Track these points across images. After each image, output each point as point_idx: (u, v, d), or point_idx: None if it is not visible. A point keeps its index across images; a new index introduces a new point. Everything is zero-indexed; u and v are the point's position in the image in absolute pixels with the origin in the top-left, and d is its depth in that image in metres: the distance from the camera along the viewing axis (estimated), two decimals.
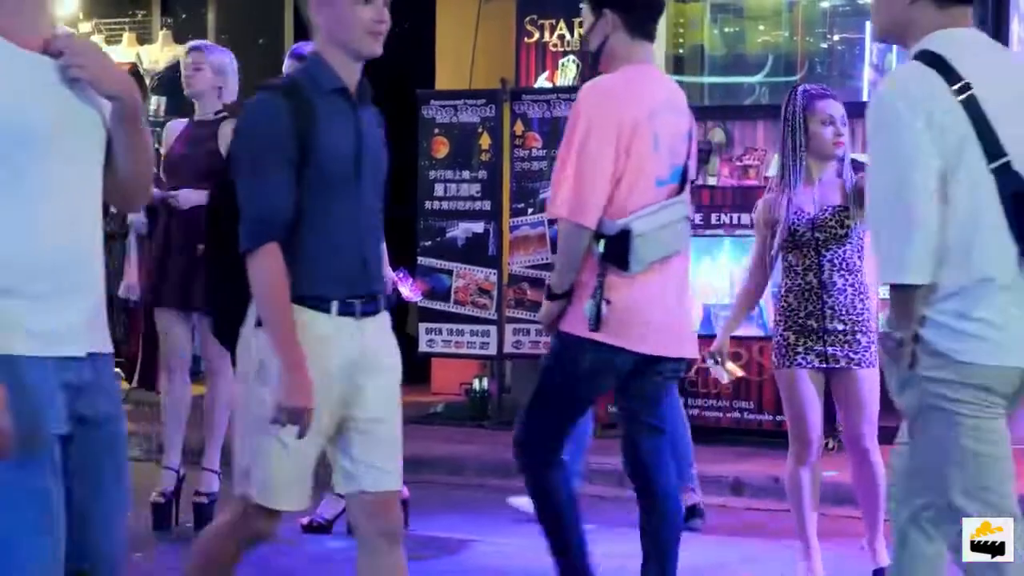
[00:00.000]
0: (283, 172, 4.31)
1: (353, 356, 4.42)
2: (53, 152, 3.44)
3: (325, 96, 4.38)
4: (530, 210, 10.66)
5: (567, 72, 11.38)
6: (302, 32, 13.19)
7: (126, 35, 13.23)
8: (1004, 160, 3.90)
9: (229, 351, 4.62)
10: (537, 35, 11.51)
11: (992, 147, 3.90)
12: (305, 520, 7.47)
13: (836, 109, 6.23)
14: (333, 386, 4.38)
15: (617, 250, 5.27)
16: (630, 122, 5.34)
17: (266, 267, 4.31)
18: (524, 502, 7.75)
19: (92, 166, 3.57)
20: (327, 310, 4.38)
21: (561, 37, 11.43)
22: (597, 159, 5.32)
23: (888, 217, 3.96)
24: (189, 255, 7.46)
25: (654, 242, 5.30)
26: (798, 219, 6.12)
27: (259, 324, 4.37)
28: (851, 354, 6.12)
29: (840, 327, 6.11)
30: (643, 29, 5.51)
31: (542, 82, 11.41)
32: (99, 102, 3.55)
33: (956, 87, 3.90)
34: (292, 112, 4.32)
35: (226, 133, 7.57)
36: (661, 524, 5.65)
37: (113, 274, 11.66)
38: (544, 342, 10.59)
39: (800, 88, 6.39)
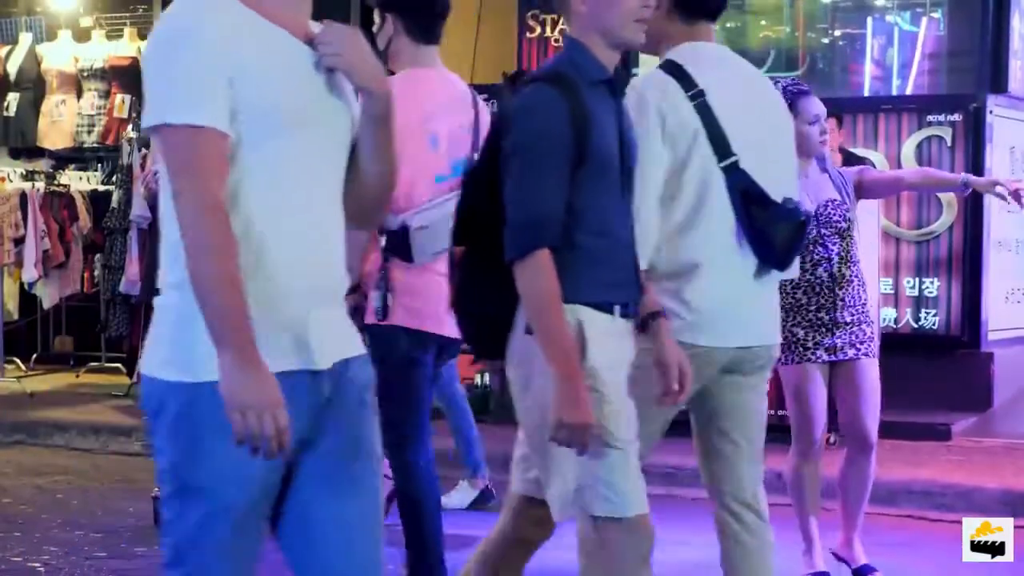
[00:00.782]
0: (560, 172, 3.96)
1: (629, 358, 4.18)
2: (304, 145, 3.18)
3: (591, 87, 4.05)
4: None
5: None
6: None
7: (127, 30, 13.24)
8: (732, 159, 4.37)
9: (489, 360, 4.34)
10: (539, 30, 11.51)
11: (721, 147, 4.37)
12: None
13: (819, 107, 6.18)
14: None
15: (399, 244, 5.48)
16: (401, 126, 5.40)
17: (539, 275, 3.93)
18: (454, 500, 7.94)
19: (337, 168, 3.29)
20: (610, 311, 4.07)
21: (563, 32, 11.42)
22: None
23: None
24: None
25: (435, 235, 5.42)
26: None
27: (529, 332, 4.02)
28: (858, 344, 6.13)
29: (849, 318, 6.12)
30: (425, 33, 5.65)
31: None
32: (351, 99, 3.29)
33: (690, 93, 4.37)
34: (568, 106, 3.98)
35: None
36: (419, 482, 5.78)
37: (116, 269, 11.70)
38: None
39: (779, 85, 6.30)
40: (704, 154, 4.38)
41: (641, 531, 4.15)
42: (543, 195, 3.95)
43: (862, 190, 6.31)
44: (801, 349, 6.12)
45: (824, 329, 6.11)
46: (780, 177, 4.51)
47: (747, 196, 4.39)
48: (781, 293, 6.17)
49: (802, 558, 6.37)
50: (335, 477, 3.24)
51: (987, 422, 10.08)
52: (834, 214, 6.11)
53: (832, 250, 6.12)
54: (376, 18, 5.71)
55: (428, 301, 5.53)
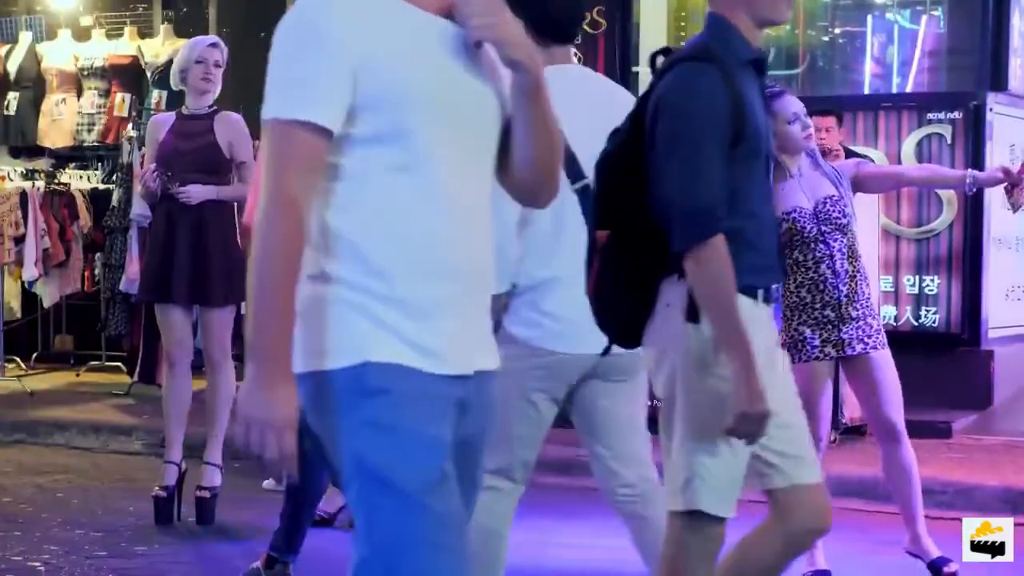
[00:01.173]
0: (722, 155, 3.88)
1: (770, 345, 4.15)
2: (442, 133, 3.00)
3: (741, 67, 3.98)
4: None
5: None
6: None
7: (127, 29, 13.24)
8: (584, 182, 4.54)
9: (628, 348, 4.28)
10: None
11: (573, 171, 4.53)
12: None
13: (795, 104, 6.09)
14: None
15: None
16: None
17: (716, 262, 3.84)
18: (271, 483, 7.95)
19: (482, 156, 3.10)
20: (754, 296, 4.02)
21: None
22: None
23: None
24: (196, 250, 7.47)
25: None
26: (800, 216, 6.08)
27: (691, 319, 3.95)
28: (866, 338, 6.09)
29: (855, 313, 6.09)
30: None
31: None
32: (498, 77, 3.10)
33: None
34: (725, 86, 3.89)
35: (231, 124, 7.59)
36: (307, 484, 6.06)
37: (116, 268, 11.70)
38: None
39: None
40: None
41: (720, 536, 4.17)
42: (711, 180, 3.87)
43: (859, 184, 6.28)
44: (809, 348, 6.08)
45: (831, 326, 6.09)
46: None
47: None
48: (785, 293, 6.16)
49: (804, 555, 6.34)
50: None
51: (987, 420, 10.08)
52: (833, 210, 6.09)
53: (833, 246, 6.10)
54: None
55: None
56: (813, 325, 6.10)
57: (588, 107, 4.67)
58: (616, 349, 4.58)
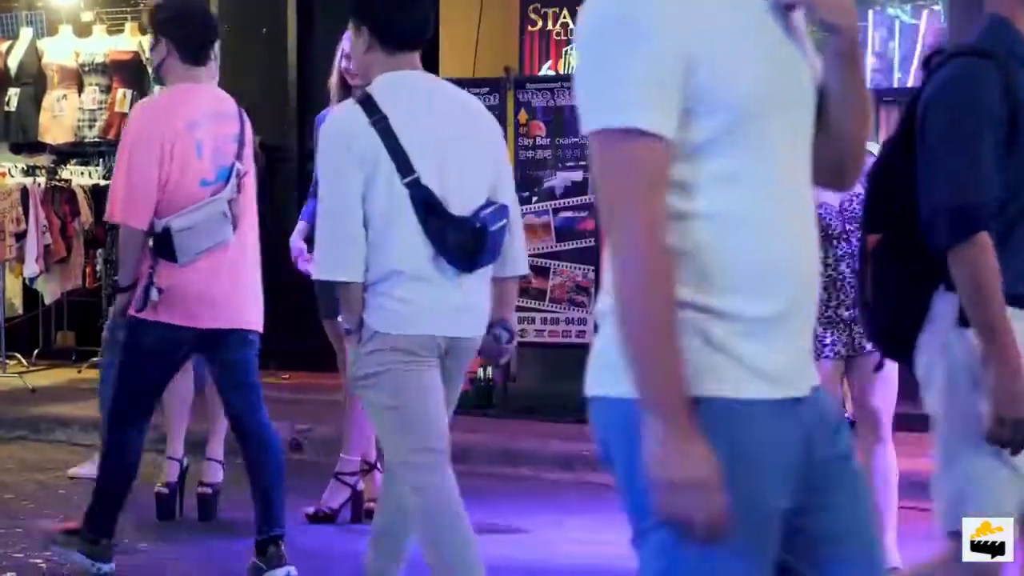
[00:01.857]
0: (994, 153, 3.73)
1: None
2: (778, 128, 2.72)
3: (1020, 65, 3.82)
4: (535, 199, 10.65)
5: (571, 60, 11.37)
6: (304, 21, 13.21)
7: (128, 24, 13.21)
8: (414, 176, 4.89)
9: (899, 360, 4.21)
10: (540, 23, 11.50)
11: (404, 166, 4.89)
12: (311, 510, 7.47)
13: None
14: None
15: (163, 245, 6.08)
16: (171, 135, 6.15)
17: (980, 261, 3.69)
18: (84, 471, 8.20)
19: (808, 142, 2.81)
20: (1021, 306, 3.81)
21: (564, 25, 11.42)
22: (143, 168, 6.12)
23: (325, 227, 4.98)
24: None
25: (198, 235, 6.10)
26: (827, 212, 6.01)
27: (963, 323, 3.80)
28: None
29: None
30: (194, 57, 6.34)
31: (546, 70, 11.41)
32: (808, 46, 2.83)
33: (374, 119, 4.90)
34: (1002, 82, 3.75)
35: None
36: (264, 456, 6.35)
37: (117, 264, 11.69)
38: (550, 331, 10.59)
39: None
40: (388, 172, 4.89)
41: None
42: (982, 176, 3.73)
43: None
44: (819, 346, 6.04)
45: (843, 325, 6.03)
46: (470, 187, 5.05)
47: (427, 207, 4.91)
48: None
49: None
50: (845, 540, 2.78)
51: None
52: (859, 208, 5.99)
53: (855, 246, 5.98)
54: (150, 39, 6.52)
55: (186, 298, 6.16)
56: (826, 324, 6.05)
57: (438, 113, 5.07)
58: (463, 333, 5.06)
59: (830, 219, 6.01)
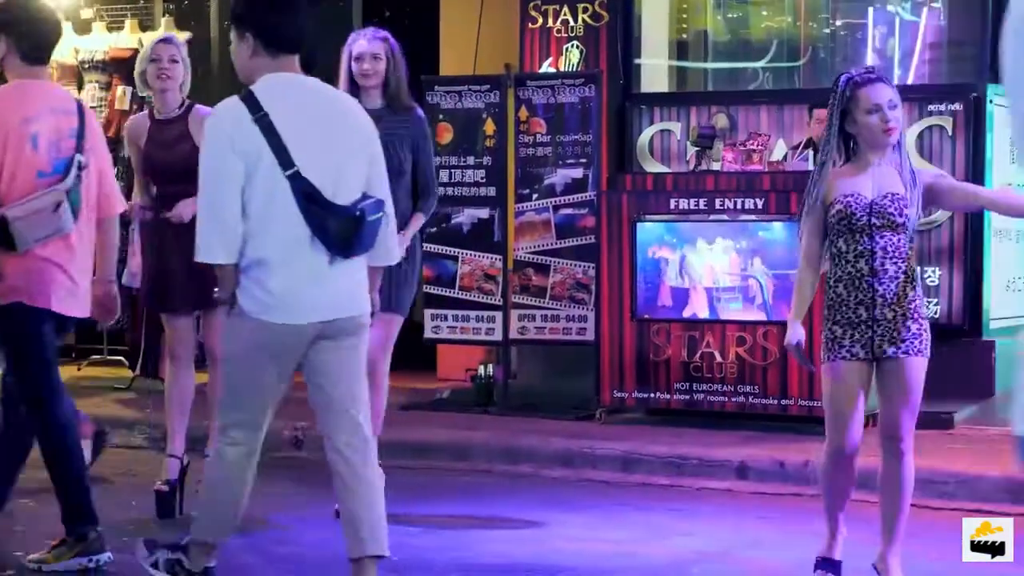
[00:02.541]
0: None
1: None
2: None
3: None
4: (535, 196, 10.65)
5: (571, 58, 11.37)
6: None
7: (128, 22, 13.22)
8: (294, 169, 5.34)
9: None
10: (541, 21, 11.50)
11: (284, 159, 5.34)
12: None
13: (882, 94, 5.99)
14: None
15: (2, 234, 6.31)
16: (4, 127, 6.37)
17: None
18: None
19: None
20: None
21: (565, 23, 11.43)
22: None
23: (205, 212, 5.41)
24: (188, 257, 7.50)
25: (35, 224, 6.32)
26: (855, 202, 5.92)
27: None
28: (899, 342, 5.89)
29: (889, 315, 5.90)
30: (34, 56, 6.55)
31: (546, 68, 11.41)
32: None
33: (256, 115, 5.35)
34: None
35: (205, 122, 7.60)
36: (61, 433, 6.59)
37: (117, 262, 11.69)
38: (550, 328, 10.60)
39: (844, 76, 6.11)
40: (268, 165, 5.33)
41: None
42: None
43: (934, 196, 6.05)
44: (836, 347, 5.92)
45: (863, 326, 5.91)
46: (347, 181, 5.47)
47: (308, 198, 5.35)
48: (827, 289, 6.01)
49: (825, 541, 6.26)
50: None
51: (989, 410, 10.08)
52: (891, 207, 5.89)
53: (878, 243, 5.90)
54: None
55: (38, 281, 6.38)
56: (844, 324, 5.93)
57: (317, 112, 5.52)
58: (340, 314, 5.47)
59: (855, 208, 5.86)
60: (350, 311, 5.55)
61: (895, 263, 5.92)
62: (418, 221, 7.62)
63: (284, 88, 5.51)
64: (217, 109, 5.56)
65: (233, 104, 5.44)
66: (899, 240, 5.92)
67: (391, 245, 5.74)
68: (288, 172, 5.34)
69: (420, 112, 7.71)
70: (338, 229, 5.40)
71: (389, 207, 5.65)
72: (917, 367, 5.98)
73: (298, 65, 5.59)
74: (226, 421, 5.67)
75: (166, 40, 7.82)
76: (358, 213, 5.41)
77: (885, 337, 5.92)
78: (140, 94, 7.80)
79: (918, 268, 6.08)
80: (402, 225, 7.20)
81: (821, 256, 6.11)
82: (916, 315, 5.98)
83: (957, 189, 6.31)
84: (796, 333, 6.03)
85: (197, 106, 7.67)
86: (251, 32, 5.55)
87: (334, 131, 5.52)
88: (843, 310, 5.96)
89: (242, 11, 5.62)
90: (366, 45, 7.56)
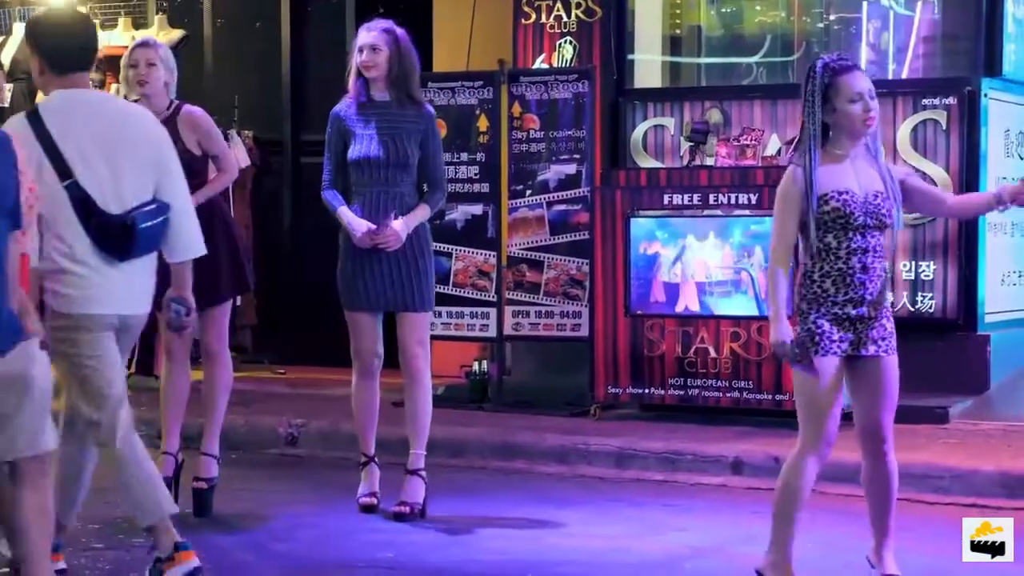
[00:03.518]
0: None
1: None
2: None
3: None
4: (528, 192, 10.65)
5: (564, 54, 11.36)
6: (299, 16, 13.19)
7: (121, 19, 13.19)
8: (72, 180, 5.81)
9: None
10: (534, 16, 11.49)
11: (62, 169, 5.82)
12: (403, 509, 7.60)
13: (862, 83, 5.88)
14: None
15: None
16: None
17: None
18: None
19: None
20: None
21: (558, 19, 11.41)
22: None
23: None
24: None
25: None
26: (852, 199, 5.87)
27: None
28: (879, 340, 5.87)
29: (872, 313, 5.88)
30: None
31: (539, 63, 11.40)
32: None
33: (37, 131, 5.84)
34: None
35: (194, 122, 7.59)
36: None
37: None
38: (544, 324, 10.59)
39: (819, 63, 5.95)
40: (49, 176, 5.76)
41: None
42: None
43: (905, 193, 5.99)
44: (827, 342, 5.87)
45: (848, 322, 5.87)
46: (124, 190, 5.90)
47: (84, 206, 5.80)
48: (804, 282, 5.99)
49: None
50: None
51: (984, 405, 10.08)
52: (881, 206, 5.82)
53: (870, 242, 5.86)
54: None
55: None
56: (832, 319, 5.89)
57: (100, 124, 5.91)
58: (129, 311, 5.94)
59: (854, 207, 5.83)
60: (133, 309, 6.02)
61: (880, 262, 5.91)
62: (422, 211, 7.73)
63: (69, 103, 5.95)
64: (5, 127, 5.80)
65: (18, 121, 5.93)
66: (883, 239, 5.93)
67: (192, 239, 6.12)
68: (66, 182, 5.81)
69: (430, 109, 7.76)
70: (109, 235, 5.85)
71: (184, 205, 6.07)
72: (895, 366, 5.97)
73: (87, 80, 6.06)
74: (77, 406, 6.01)
75: (143, 44, 7.79)
76: (128, 222, 5.85)
77: (868, 336, 5.90)
78: (127, 97, 7.73)
79: (912, 263, 6.07)
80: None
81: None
82: (889, 314, 5.99)
83: (927, 192, 6.28)
84: (785, 331, 5.87)
85: (186, 106, 7.66)
86: (38, 55, 6.03)
87: (115, 143, 5.92)
88: (830, 305, 5.89)
89: (28, 33, 6.18)
90: (367, 37, 7.60)
